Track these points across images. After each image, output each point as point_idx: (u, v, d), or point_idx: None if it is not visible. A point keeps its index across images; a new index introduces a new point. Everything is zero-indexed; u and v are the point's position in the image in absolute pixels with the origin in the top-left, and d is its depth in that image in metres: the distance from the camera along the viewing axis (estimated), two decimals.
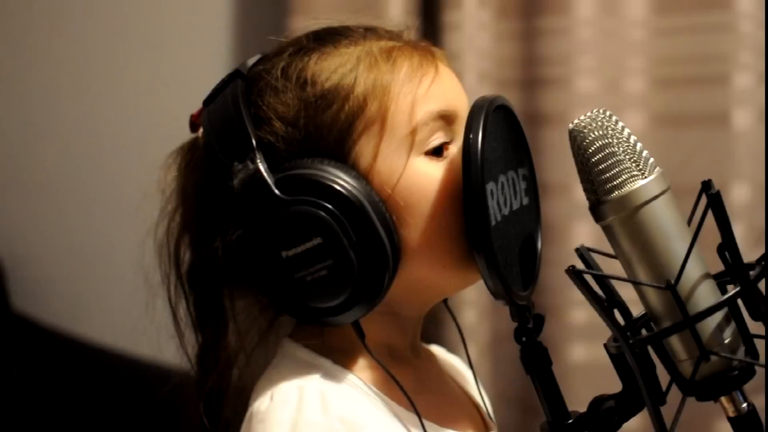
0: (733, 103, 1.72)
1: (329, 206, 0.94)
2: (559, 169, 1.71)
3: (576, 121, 0.95)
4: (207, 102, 1.03)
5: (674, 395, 0.96)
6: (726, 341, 0.92)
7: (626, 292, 0.99)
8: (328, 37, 1.03)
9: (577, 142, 0.94)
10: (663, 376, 0.96)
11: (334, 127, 0.98)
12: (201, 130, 1.03)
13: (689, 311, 0.91)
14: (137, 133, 2.00)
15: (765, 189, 1.67)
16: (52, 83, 2.07)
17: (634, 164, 0.93)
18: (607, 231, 0.95)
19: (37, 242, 2.07)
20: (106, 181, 2.01)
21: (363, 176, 0.97)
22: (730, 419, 0.94)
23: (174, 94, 1.68)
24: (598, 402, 0.98)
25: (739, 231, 0.89)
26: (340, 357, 1.02)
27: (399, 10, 1.76)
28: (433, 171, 0.99)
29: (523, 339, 0.99)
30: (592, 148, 0.93)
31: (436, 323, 1.17)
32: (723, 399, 0.94)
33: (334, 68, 1.00)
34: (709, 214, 0.92)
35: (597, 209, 0.94)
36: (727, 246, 0.93)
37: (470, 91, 1.06)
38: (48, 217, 2.07)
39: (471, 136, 0.95)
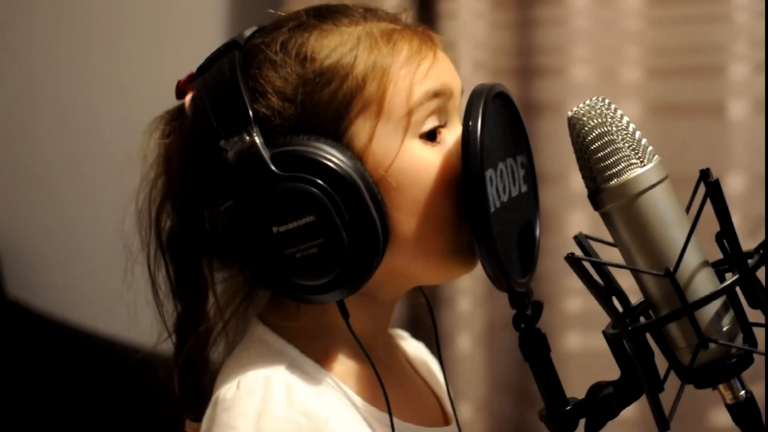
0: (729, 93, 1.72)
1: (324, 185, 0.94)
2: (554, 158, 1.71)
3: (575, 108, 0.95)
4: (201, 70, 1.02)
5: (671, 382, 0.96)
6: (724, 329, 0.93)
7: (624, 281, 0.99)
8: (328, 15, 1.03)
9: (576, 129, 0.94)
10: (660, 363, 0.96)
11: (331, 106, 0.98)
12: (188, 97, 1.02)
13: (688, 299, 0.91)
14: (124, 101, 1.98)
15: (765, 179, 1.68)
16: (38, 62, 2.06)
17: (633, 152, 0.93)
18: (606, 219, 0.95)
19: (31, 227, 2.06)
20: (104, 165, 2.00)
21: (357, 156, 0.97)
22: (728, 406, 0.94)
23: (164, 62, 1.66)
24: (596, 389, 0.98)
25: (734, 220, 0.90)
26: (308, 344, 1.01)
27: None
28: (427, 155, 0.99)
29: (522, 326, 0.99)
30: (591, 136, 0.93)
31: (426, 313, 1.17)
32: (721, 386, 0.94)
33: (334, 46, 0.99)
34: (707, 203, 0.92)
35: (596, 197, 0.94)
36: (726, 234, 0.93)
37: (465, 80, 1.06)
38: (41, 202, 2.06)
39: (470, 122, 0.95)
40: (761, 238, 0.95)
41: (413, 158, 0.98)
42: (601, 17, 1.77)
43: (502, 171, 0.98)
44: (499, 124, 0.99)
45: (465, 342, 1.77)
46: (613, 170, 0.93)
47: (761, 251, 0.94)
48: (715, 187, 0.92)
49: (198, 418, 1.05)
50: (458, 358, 1.78)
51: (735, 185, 1.69)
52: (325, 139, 0.96)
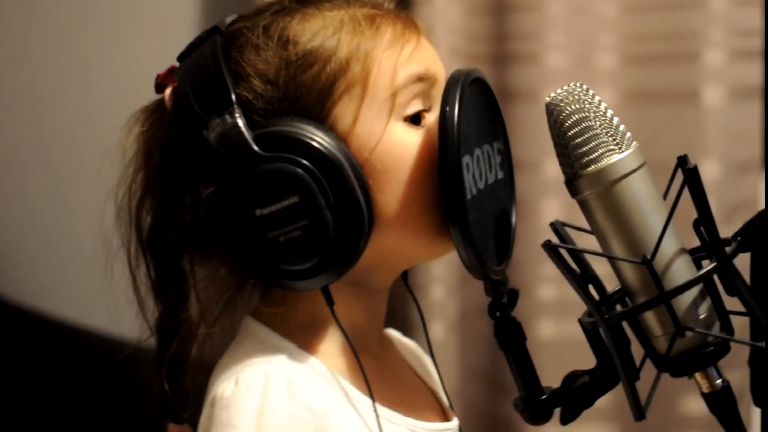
0: (704, 80, 1.72)
1: (308, 164, 0.93)
2: (528, 146, 1.71)
3: (552, 94, 0.94)
4: (182, 57, 1.01)
5: (645, 371, 0.96)
6: (701, 317, 0.92)
7: (600, 268, 0.98)
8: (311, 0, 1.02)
9: (554, 115, 0.94)
10: (636, 351, 0.95)
11: (314, 88, 0.97)
12: (168, 90, 1.02)
13: (665, 286, 0.91)
14: (102, 96, 1.96)
15: (764, 170, 1.68)
16: (14, 58, 2.03)
17: (611, 138, 0.92)
18: (583, 205, 0.94)
19: (8, 224, 2.04)
20: (83, 161, 1.98)
21: (341, 138, 0.96)
22: (704, 395, 0.94)
23: (142, 58, 1.65)
24: (572, 378, 0.98)
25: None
26: (304, 338, 1.01)
27: None
28: (411, 138, 0.98)
29: (497, 314, 0.99)
30: (569, 122, 0.93)
31: (401, 302, 1.16)
32: (697, 375, 0.94)
33: (317, 29, 0.99)
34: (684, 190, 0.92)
35: (573, 183, 0.94)
36: (704, 221, 0.93)
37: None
38: (20, 199, 2.04)
39: (447, 108, 0.95)
40: (736, 225, 0.94)
41: (397, 140, 0.98)
42: (576, 3, 1.76)
43: (478, 157, 0.98)
44: (476, 110, 0.99)
45: (438, 330, 1.76)
46: (591, 156, 0.92)
47: (738, 238, 0.93)
48: (694, 174, 0.91)
49: (179, 419, 1.04)
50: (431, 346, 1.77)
51: (709, 172, 1.69)
52: (308, 120, 0.96)
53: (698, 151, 1.70)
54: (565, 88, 0.94)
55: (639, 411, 0.92)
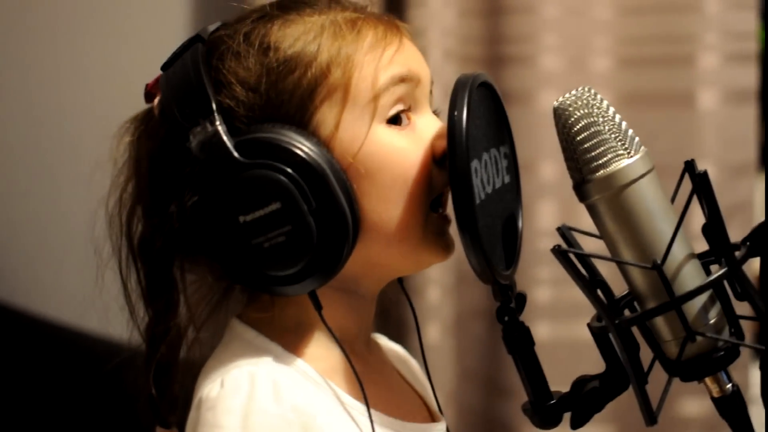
0: (699, 83, 1.73)
1: (289, 170, 0.93)
2: (523, 148, 1.68)
3: (560, 99, 0.94)
4: (165, 67, 1.01)
5: (653, 375, 0.96)
6: (711, 321, 0.92)
7: (605, 271, 0.98)
8: (292, 5, 1.02)
9: (562, 120, 0.93)
10: (643, 355, 0.95)
11: (296, 93, 0.97)
12: (156, 99, 1.01)
13: (675, 292, 0.90)
14: (94, 105, 1.96)
15: (765, 173, 1.69)
16: (6, 64, 2.03)
17: (619, 143, 0.92)
18: (592, 210, 0.94)
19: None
20: (74, 169, 1.98)
21: (324, 144, 0.96)
22: (714, 399, 0.94)
23: (130, 64, 1.65)
24: (581, 382, 0.97)
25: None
26: (290, 341, 1.00)
27: None
28: (396, 140, 0.98)
29: (506, 319, 0.99)
30: (577, 127, 0.93)
31: (396, 304, 1.16)
32: (707, 380, 0.93)
33: (297, 35, 0.99)
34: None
35: (581, 188, 0.94)
36: (714, 226, 0.93)
37: (435, 69, 1.05)
38: (6, 197, 2.03)
39: (456, 112, 0.94)
40: (732, 228, 0.94)
41: (381, 144, 0.98)
42: (570, 6, 1.76)
43: (486, 162, 0.98)
44: (483, 114, 0.99)
45: (434, 332, 1.76)
46: (600, 161, 0.92)
47: (747, 243, 0.93)
48: (704, 179, 0.91)
49: (166, 424, 1.03)
50: (427, 348, 1.76)
51: None
52: (290, 126, 0.95)
53: (693, 154, 1.68)
54: (573, 92, 0.93)
55: (651, 415, 0.92)
